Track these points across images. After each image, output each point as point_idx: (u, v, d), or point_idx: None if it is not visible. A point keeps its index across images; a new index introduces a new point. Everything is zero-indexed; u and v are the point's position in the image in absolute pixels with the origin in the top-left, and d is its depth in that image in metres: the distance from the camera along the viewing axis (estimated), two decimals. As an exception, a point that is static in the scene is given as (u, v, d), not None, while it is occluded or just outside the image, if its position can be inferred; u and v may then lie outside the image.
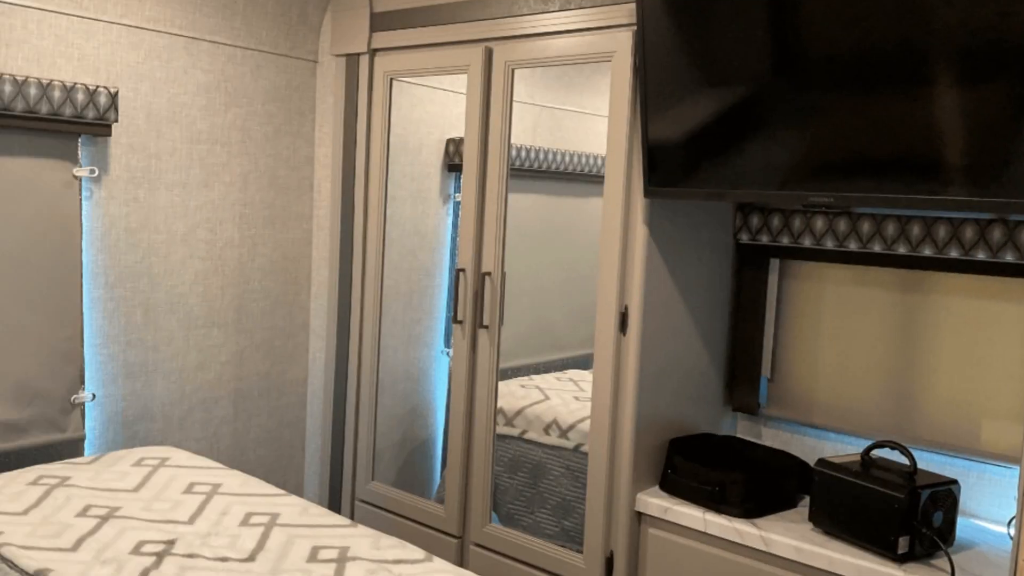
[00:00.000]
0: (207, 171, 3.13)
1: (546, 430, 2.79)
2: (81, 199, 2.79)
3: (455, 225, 3.15)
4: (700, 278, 2.55)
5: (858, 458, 2.19)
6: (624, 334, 2.40)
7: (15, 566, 1.90)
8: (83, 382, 2.83)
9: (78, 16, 2.74)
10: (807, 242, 2.49)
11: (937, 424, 2.33)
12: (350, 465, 3.16)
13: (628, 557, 2.43)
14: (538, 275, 2.94)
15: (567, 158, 2.91)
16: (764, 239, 2.58)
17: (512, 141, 2.68)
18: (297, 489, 3.57)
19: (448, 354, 3.13)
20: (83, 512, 2.17)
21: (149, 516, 2.18)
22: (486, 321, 2.72)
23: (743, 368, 2.67)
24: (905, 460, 2.13)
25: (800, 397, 2.59)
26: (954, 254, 2.23)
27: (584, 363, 2.76)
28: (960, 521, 2.25)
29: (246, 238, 3.28)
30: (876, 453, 2.20)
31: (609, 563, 2.46)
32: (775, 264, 2.62)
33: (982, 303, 2.26)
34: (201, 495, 2.34)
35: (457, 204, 3.10)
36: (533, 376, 2.98)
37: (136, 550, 1.98)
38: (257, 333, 3.35)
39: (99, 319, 2.89)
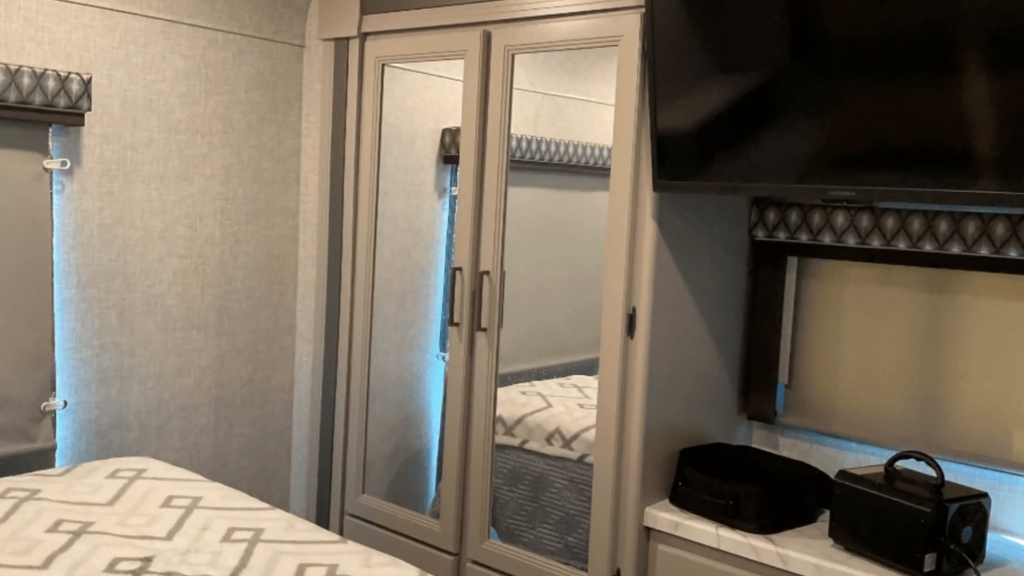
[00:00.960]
0: (186, 163, 3.13)
1: (548, 440, 2.79)
2: (52, 193, 2.79)
3: (451, 221, 3.15)
4: (713, 277, 2.55)
5: (881, 470, 2.19)
6: (631, 337, 2.40)
7: (-19, 585, 1.90)
8: (54, 388, 2.83)
9: (49, -2, 2.75)
10: (827, 239, 2.49)
11: (966, 433, 2.33)
12: (339, 477, 3.16)
13: (636, 575, 2.43)
14: (540, 274, 2.94)
15: (571, 149, 2.91)
16: (781, 236, 2.58)
17: (512, 131, 2.68)
18: (282, 503, 3.57)
19: (444, 358, 3.13)
20: (54, 527, 2.17)
21: (124, 531, 2.18)
22: (484, 323, 2.72)
23: (759, 374, 2.67)
24: (932, 472, 2.13)
25: (819, 405, 2.59)
26: (984, 252, 2.23)
27: (589, 368, 2.76)
28: (990, 537, 2.24)
29: (228, 235, 3.28)
30: (900, 464, 2.20)
31: (616, 582, 2.46)
32: (793, 263, 2.62)
33: (1014, 304, 2.26)
34: (180, 509, 2.34)
35: (453, 198, 3.10)
36: (535, 382, 2.98)
37: (111, 568, 1.98)
38: (240, 336, 3.35)
39: (71, 321, 2.89)
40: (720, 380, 2.63)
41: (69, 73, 2.71)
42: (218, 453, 3.33)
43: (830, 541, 2.21)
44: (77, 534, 2.14)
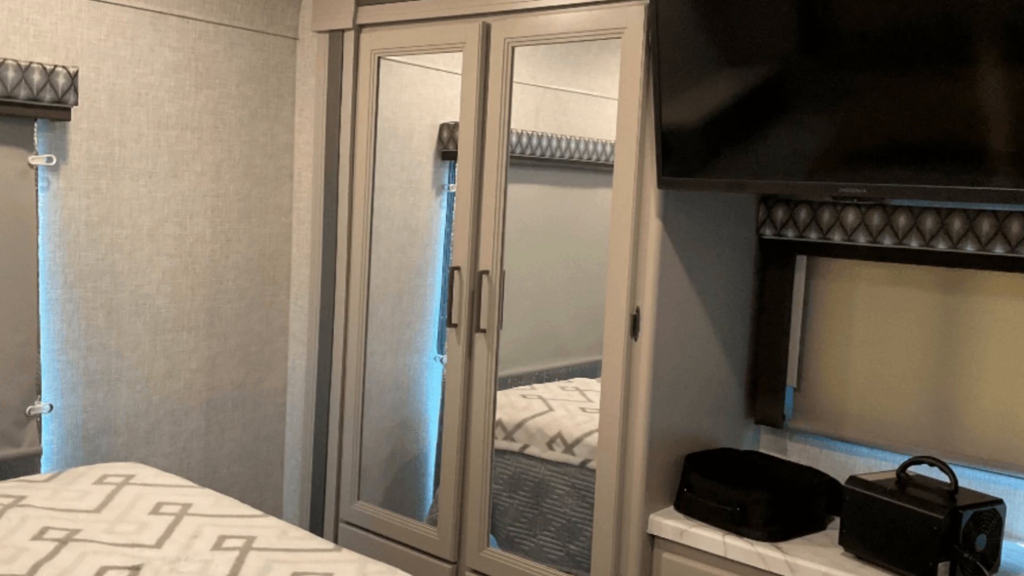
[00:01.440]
0: (176, 159, 3.13)
1: (549, 444, 2.79)
2: (37, 190, 2.79)
3: (449, 219, 3.15)
4: (719, 277, 2.55)
5: (893, 475, 2.19)
6: (635, 339, 2.40)
7: (-36, 594, 1.90)
8: (39, 391, 2.83)
9: (34, -12, 2.75)
10: (837, 237, 2.49)
11: (980, 438, 2.33)
12: (333, 483, 3.16)
13: (640, 584, 2.43)
14: (540, 274, 2.94)
15: (573, 145, 2.91)
16: (790, 234, 2.58)
17: (512, 126, 2.68)
18: (275, 510, 3.57)
19: (441, 361, 3.13)
20: (39, 535, 2.17)
21: (112, 539, 2.18)
22: (483, 324, 2.72)
23: (766, 377, 2.67)
24: (945, 478, 2.13)
25: (829, 408, 2.59)
26: (999, 251, 2.23)
27: (591, 371, 2.76)
28: (1005, 544, 2.25)
29: (219, 233, 3.28)
30: (913, 470, 2.20)
31: (619, 591, 2.46)
32: (802, 262, 2.62)
33: (1030, 305, 2.26)
34: (169, 516, 2.34)
35: (451, 196, 3.10)
36: (535, 385, 2.98)
37: (98, 577, 1.98)
38: (231, 338, 3.35)
39: (57, 322, 2.89)
40: (727, 383, 2.63)
41: (55, 66, 2.71)
42: (209, 458, 3.32)
43: (840, 549, 2.21)
44: (63, 542, 2.14)
